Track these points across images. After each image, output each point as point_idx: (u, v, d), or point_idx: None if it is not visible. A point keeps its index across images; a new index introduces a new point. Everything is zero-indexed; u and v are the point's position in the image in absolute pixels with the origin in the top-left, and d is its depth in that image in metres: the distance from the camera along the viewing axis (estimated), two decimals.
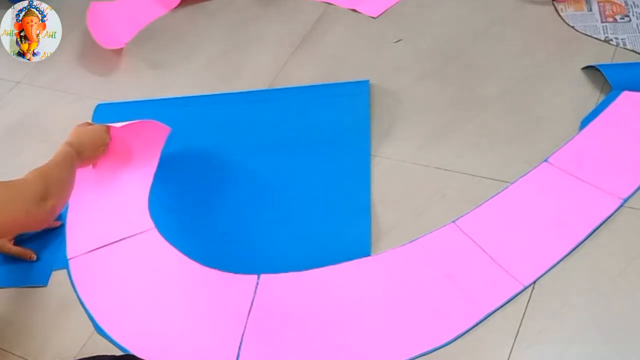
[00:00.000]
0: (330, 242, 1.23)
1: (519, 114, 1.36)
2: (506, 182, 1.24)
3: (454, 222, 1.20)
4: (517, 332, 1.05)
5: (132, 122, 1.36)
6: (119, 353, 1.14)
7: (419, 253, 1.18)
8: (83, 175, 1.41)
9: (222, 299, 1.19)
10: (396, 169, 1.32)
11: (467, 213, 1.21)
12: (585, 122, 1.29)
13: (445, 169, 1.30)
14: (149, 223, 1.32)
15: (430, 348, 1.06)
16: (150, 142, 1.46)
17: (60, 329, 1.22)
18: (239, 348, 1.11)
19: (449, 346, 1.06)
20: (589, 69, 1.39)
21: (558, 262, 1.11)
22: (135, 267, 1.27)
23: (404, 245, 1.19)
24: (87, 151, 1.31)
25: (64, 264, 1.30)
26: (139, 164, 1.43)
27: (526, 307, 1.08)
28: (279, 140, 1.44)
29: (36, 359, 1.19)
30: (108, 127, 1.37)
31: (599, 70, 1.37)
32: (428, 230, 1.20)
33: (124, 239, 1.32)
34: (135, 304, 1.22)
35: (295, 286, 1.18)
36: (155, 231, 1.31)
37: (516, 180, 1.24)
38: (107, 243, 1.32)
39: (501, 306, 1.08)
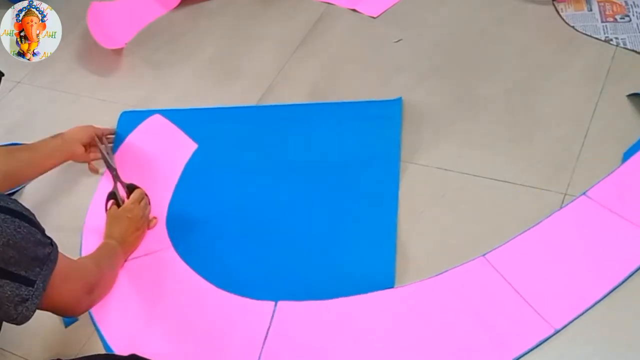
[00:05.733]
0: (352, 271, 1.18)
1: (519, 114, 1.36)
2: (507, 182, 1.24)
3: (483, 255, 1.13)
4: None
5: (162, 129, 1.31)
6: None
7: (446, 288, 1.11)
8: (101, 186, 1.41)
9: (238, 324, 1.15)
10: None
11: (498, 247, 1.14)
12: (628, 155, 1.20)
13: (445, 169, 1.30)
14: (166, 241, 1.30)
15: None
16: (173, 156, 1.43)
17: (60, 329, 1.22)
18: None
19: None
20: (634, 96, 1.29)
21: (593, 305, 1.03)
22: (151, 285, 1.24)
23: (430, 278, 1.13)
24: (129, 240, 1.27)
25: None
26: (159, 180, 1.40)
27: None
28: (304, 161, 1.37)
29: (36, 359, 1.19)
30: (144, 203, 1.32)
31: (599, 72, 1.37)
32: (429, 231, 1.20)
33: (140, 256, 1.29)
34: (147, 323, 1.18)
35: (313, 315, 1.13)
36: (173, 250, 1.28)
37: (552, 214, 1.16)
38: None
39: (530, 350, 1.02)
